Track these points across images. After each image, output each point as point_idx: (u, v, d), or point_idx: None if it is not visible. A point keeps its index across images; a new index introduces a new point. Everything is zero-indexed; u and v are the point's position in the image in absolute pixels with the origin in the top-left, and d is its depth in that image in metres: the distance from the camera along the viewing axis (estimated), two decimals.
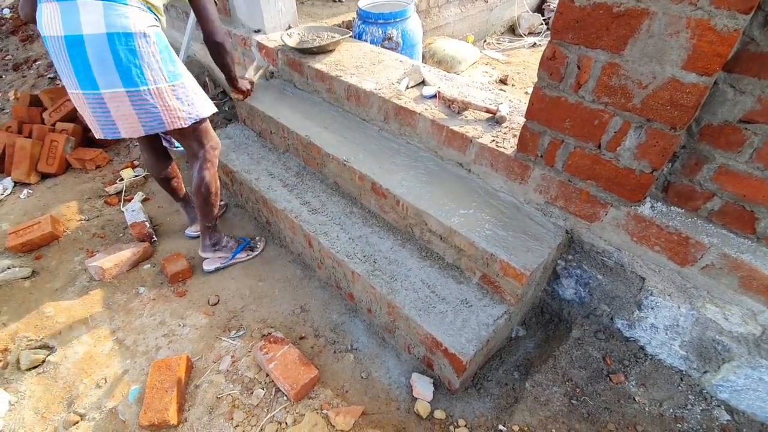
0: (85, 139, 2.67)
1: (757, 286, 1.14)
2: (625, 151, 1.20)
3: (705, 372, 1.38)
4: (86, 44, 1.34)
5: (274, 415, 1.43)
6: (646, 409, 1.38)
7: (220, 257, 1.96)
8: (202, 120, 1.66)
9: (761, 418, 1.32)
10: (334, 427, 1.38)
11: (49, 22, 1.34)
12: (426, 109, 1.76)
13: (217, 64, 1.80)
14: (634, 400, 1.40)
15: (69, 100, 2.67)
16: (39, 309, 1.82)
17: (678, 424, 1.34)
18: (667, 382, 1.43)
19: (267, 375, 1.54)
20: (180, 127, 1.56)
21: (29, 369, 1.62)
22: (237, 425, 1.41)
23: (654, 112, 1.10)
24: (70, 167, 2.59)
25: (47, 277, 1.96)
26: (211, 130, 1.76)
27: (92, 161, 2.54)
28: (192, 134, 1.68)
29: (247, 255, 2.03)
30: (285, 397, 1.48)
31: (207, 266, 1.96)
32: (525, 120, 1.39)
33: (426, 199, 1.62)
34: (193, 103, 1.58)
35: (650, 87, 1.08)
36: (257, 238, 2.12)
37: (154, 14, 1.46)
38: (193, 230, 2.15)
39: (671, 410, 1.37)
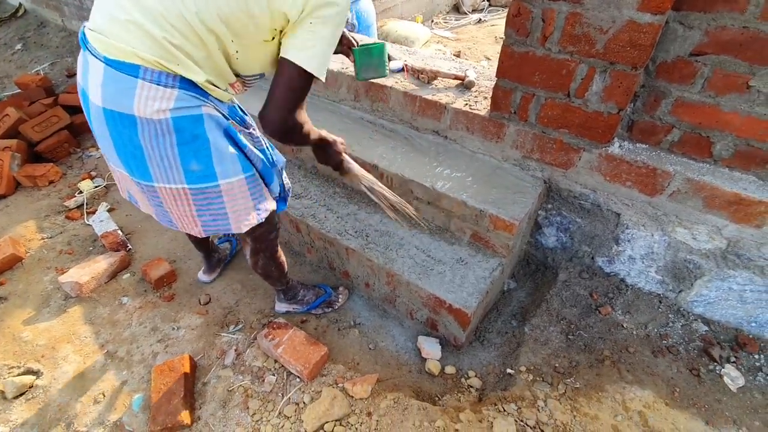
0: (31, 154, 2.48)
1: (719, 203, 1.27)
2: (593, 95, 1.29)
3: (680, 291, 1.53)
4: (90, 109, 1.03)
5: (290, 398, 1.43)
6: (634, 332, 1.51)
7: (293, 307, 1.71)
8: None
9: (734, 324, 1.48)
10: (352, 397, 1.40)
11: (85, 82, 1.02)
12: (396, 82, 1.79)
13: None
14: (623, 326, 1.53)
15: (8, 114, 2.47)
16: (14, 335, 1.70)
17: (663, 341, 1.48)
18: (649, 306, 1.57)
19: (275, 361, 1.53)
20: (196, 234, 1.21)
21: (16, 397, 1.52)
22: (254, 413, 1.40)
23: (616, 55, 1.19)
24: (20, 186, 2.40)
25: (17, 301, 1.83)
26: (271, 220, 1.31)
27: (44, 177, 2.37)
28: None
29: (323, 311, 1.73)
30: (298, 379, 1.48)
31: (278, 308, 1.72)
32: (496, 79, 1.46)
33: (409, 168, 1.66)
34: (226, 215, 1.15)
35: (610, 31, 1.17)
36: (340, 289, 1.78)
37: (198, 91, 0.98)
38: (208, 277, 1.87)
39: (656, 330, 1.51)
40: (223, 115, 1.09)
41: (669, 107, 1.28)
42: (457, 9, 4.69)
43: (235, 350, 1.59)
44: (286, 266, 1.55)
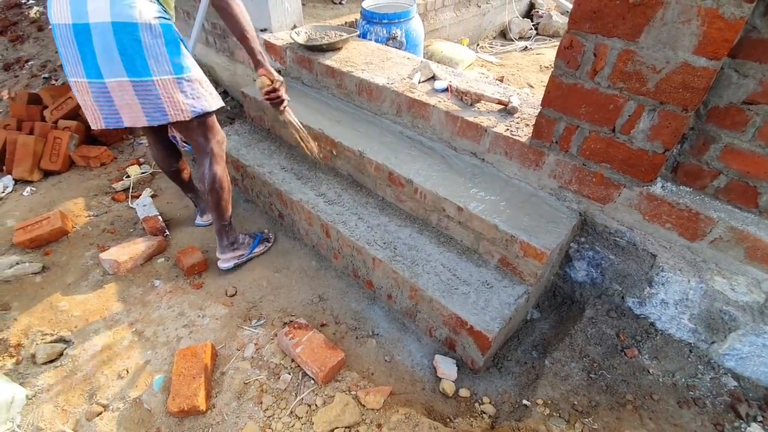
0: (89, 136, 2.65)
1: (761, 256, 1.23)
2: (639, 133, 1.29)
3: (713, 342, 1.47)
4: (92, 33, 1.35)
5: (302, 398, 1.45)
6: (660, 379, 1.46)
7: (238, 255, 1.95)
8: (208, 114, 1.63)
9: (765, 383, 1.41)
10: (364, 406, 1.41)
11: (59, 10, 1.35)
12: (439, 101, 1.83)
13: (235, 33, 1.63)
14: (649, 372, 1.48)
15: (71, 98, 2.65)
16: (52, 304, 1.79)
17: (690, 392, 1.42)
18: (678, 354, 1.51)
19: (292, 360, 1.56)
20: (183, 119, 1.54)
21: (46, 363, 1.60)
22: (267, 408, 1.43)
23: (667, 95, 1.19)
24: (73, 165, 2.56)
25: (58, 272, 1.94)
26: (217, 125, 1.73)
27: (97, 158, 2.52)
28: (197, 128, 1.64)
29: (265, 247, 2.05)
30: (312, 381, 1.50)
31: (223, 264, 1.92)
32: (541, 107, 1.47)
33: (443, 186, 1.68)
34: (199, 97, 1.56)
35: (663, 71, 1.17)
36: (266, 230, 2.14)
37: (163, 6, 1.46)
38: (204, 220, 2.18)
39: (683, 380, 1.45)
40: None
41: (717, 152, 1.26)
42: (503, 35, 4.73)
43: (255, 344, 1.63)
44: (231, 196, 1.83)
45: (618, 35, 1.20)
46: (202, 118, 1.61)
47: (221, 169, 1.74)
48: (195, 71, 1.55)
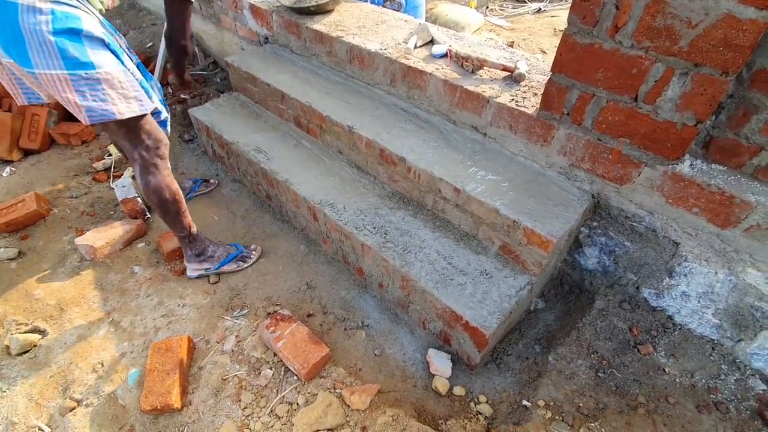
0: (68, 113, 2.50)
1: None
2: (666, 102, 1.09)
3: (739, 340, 1.31)
4: None
5: (284, 396, 1.35)
6: (677, 380, 1.31)
7: (204, 267, 1.73)
8: (124, 120, 1.32)
9: None
10: (349, 406, 1.30)
11: None
12: (437, 68, 1.63)
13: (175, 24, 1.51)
14: (664, 371, 1.33)
15: None
16: (27, 291, 1.71)
17: (711, 395, 1.28)
18: (699, 352, 1.36)
19: (275, 354, 1.45)
20: (85, 123, 1.29)
21: (20, 354, 1.52)
22: (245, 407, 1.33)
23: (703, 56, 0.98)
24: (54, 143, 2.43)
25: (35, 257, 1.84)
26: (149, 127, 1.42)
27: (77, 136, 2.39)
28: (117, 132, 1.36)
29: (237, 266, 1.76)
30: (295, 377, 1.40)
31: (190, 273, 1.73)
32: (551, 73, 1.27)
33: (439, 165, 1.50)
34: (104, 100, 1.25)
35: (701, 26, 0.96)
36: (252, 246, 1.83)
37: None
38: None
39: (704, 381, 1.31)
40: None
41: (760, 125, 1.06)
42: None
43: (236, 337, 1.52)
44: (184, 205, 1.59)
45: None
46: (120, 122, 1.32)
47: (157, 179, 1.46)
48: (107, 68, 1.24)
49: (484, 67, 1.59)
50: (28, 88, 1.35)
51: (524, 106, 1.41)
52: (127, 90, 1.30)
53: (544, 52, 3.27)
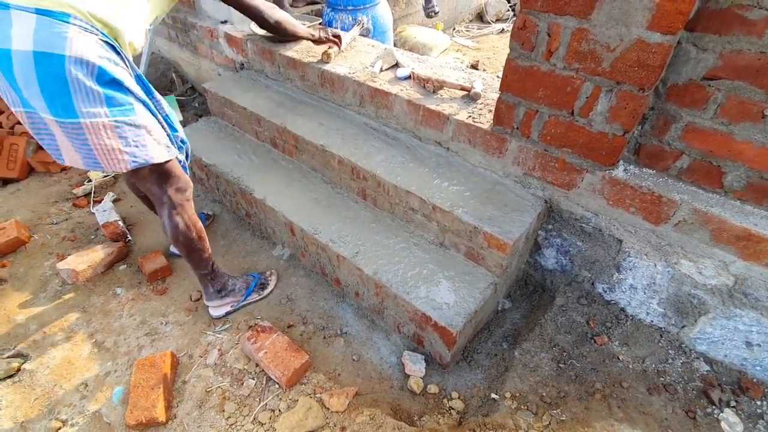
0: None
1: (728, 237, 1.20)
2: (598, 115, 1.23)
3: (683, 327, 1.44)
4: (14, 61, 1.11)
5: (266, 404, 1.41)
6: (630, 366, 1.43)
7: (229, 302, 1.71)
8: (157, 164, 1.36)
9: (738, 366, 1.39)
10: (328, 409, 1.37)
11: None
12: (401, 90, 1.76)
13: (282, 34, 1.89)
14: (618, 359, 1.45)
15: None
16: (9, 317, 1.73)
17: (661, 378, 1.39)
18: (648, 339, 1.49)
19: (257, 365, 1.52)
20: (121, 171, 1.31)
21: (3, 379, 1.54)
22: (229, 416, 1.39)
23: (623, 75, 1.13)
24: (33, 171, 2.46)
25: (16, 284, 1.87)
26: (176, 170, 1.45)
27: (57, 164, 2.43)
28: (148, 176, 1.40)
29: (259, 296, 1.77)
30: (277, 385, 1.46)
31: (214, 312, 1.70)
32: (500, 92, 1.41)
33: (407, 178, 1.62)
34: (144, 145, 1.29)
35: (618, 50, 1.11)
36: (269, 272, 1.86)
37: (109, 39, 1.19)
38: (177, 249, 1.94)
39: (654, 365, 1.43)
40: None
41: (679, 132, 1.21)
42: (480, 18, 4.64)
43: (218, 350, 1.58)
44: (207, 243, 1.59)
45: (570, 13, 1.13)
46: (151, 167, 1.36)
47: (184, 220, 1.48)
48: (142, 116, 1.29)
49: (444, 87, 1.73)
50: (51, 144, 1.27)
51: (480, 122, 1.55)
52: (159, 136, 1.35)
53: None
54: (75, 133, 1.20)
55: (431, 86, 1.74)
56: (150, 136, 1.31)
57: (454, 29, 4.29)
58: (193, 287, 1.85)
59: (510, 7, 4.57)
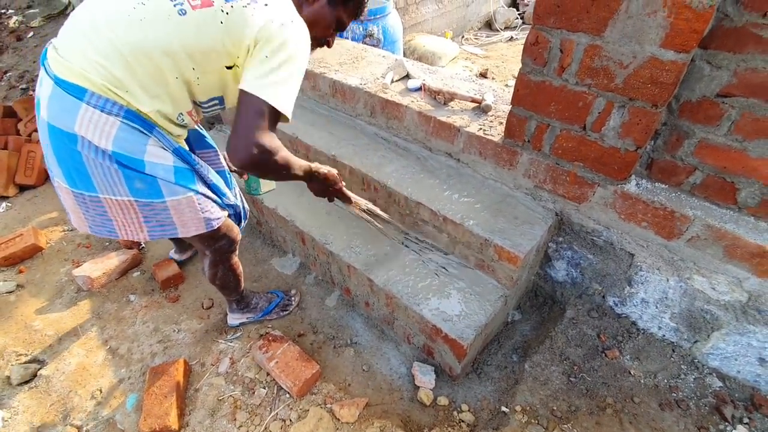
0: None
1: (741, 254, 1.19)
2: (610, 130, 1.24)
3: (695, 342, 1.43)
4: (40, 124, 1.05)
5: (277, 413, 1.42)
6: (642, 381, 1.42)
7: (247, 316, 1.72)
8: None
9: (751, 383, 1.38)
10: (339, 420, 1.38)
11: (39, 82, 1.07)
12: (412, 101, 1.78)
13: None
14: (630, 373, 1.44)
15: None
16: (26, 323, 1.77)
17: (673, 393, 1.38)
18: (660, 354, 1.48)
19: (268, 374, 1.53)
20: (140, 240, 1.22)
21: (20, 384, 1.57)
22: (240, 425, 1.40)
23: (635, 91, 1.14)
24: (50, 178, 2.52)
25: (33, 290, 1.90)
26: (219, 232, 1.30)
27: None
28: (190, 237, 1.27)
29: (277, 315, 1.76)
30: (287, 395, 1.47)
31: (231, 321, 1.71)
32: (511, 106, 1.42)
33: (418, 190, 1.63)
34: (171, 223, 1.17)
35: (631, 66, 1.11)
36: (293, 291, 1.83)
37: (143, 122, 1.01)
38: (178, 256, 1.98)
39: (665, 381, 1.42)
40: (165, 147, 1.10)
41: (692, 148, 1.21)
42: (489, 26, 4.65)
43: (230, 359, 1.60)
44: (242, 277, 1.59)
45: (583, 30, 1.14)
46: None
47: (225, 270, 1.46)
48: (175, 197, 1.13)
49: (455, 99, 1.75)
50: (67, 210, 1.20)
51: (491, 135, 1.56)
52: (196, 212, 1.19)
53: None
54: (94, 202, 1.10)
55: (442, 98, 1.75)
56: (181, 215, 1.17)
57: (462, 37, 4.31)
58: (205, 295, 1.87)
59: (519, 15, 4.58)
